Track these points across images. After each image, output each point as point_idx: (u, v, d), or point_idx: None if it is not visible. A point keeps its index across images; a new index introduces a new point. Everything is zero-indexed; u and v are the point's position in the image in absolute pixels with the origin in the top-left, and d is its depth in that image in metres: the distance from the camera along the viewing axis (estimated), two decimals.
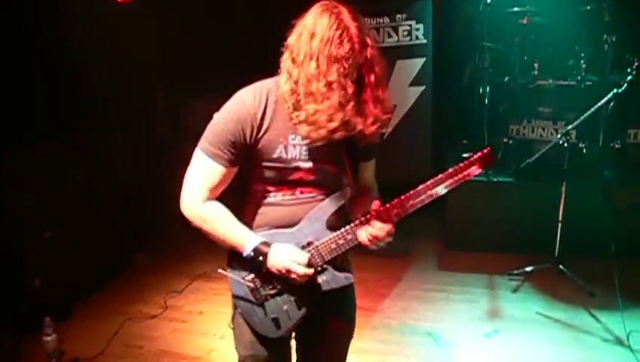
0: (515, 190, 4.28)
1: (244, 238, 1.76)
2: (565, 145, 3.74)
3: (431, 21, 4.30)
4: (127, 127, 4.64)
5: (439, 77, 4.73)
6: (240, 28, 5.76)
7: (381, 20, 4.39)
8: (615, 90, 3.71)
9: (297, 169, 1.75)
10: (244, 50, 5.78)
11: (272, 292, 1.81)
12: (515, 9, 4.60)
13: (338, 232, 1.76)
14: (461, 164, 1.63)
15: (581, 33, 4.58)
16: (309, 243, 1.77)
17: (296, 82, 1.64)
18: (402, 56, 4.29)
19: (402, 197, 1.68)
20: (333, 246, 1.76)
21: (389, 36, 4.34)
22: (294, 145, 1.73)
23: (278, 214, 1.80)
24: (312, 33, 1.61)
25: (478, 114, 4.89)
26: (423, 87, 4.31)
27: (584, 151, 4.22)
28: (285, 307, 1.81)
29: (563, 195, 3.79)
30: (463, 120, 5.03)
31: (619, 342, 3.16)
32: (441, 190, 1.64)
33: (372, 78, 1.67)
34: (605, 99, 3.70)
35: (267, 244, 1.75)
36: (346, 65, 1.60)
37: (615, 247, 3.55)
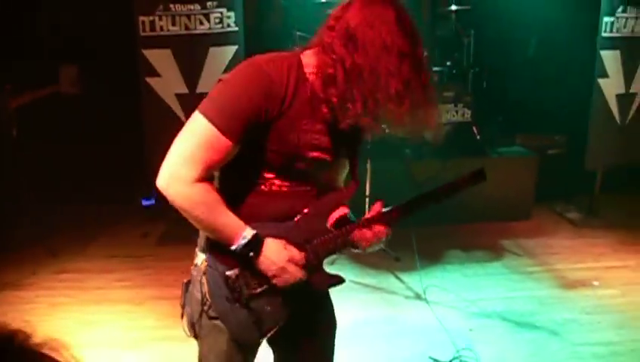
0: None
1: (237, 229, 1.51)
2: None
3: (242, 9, 4.37)
4: None
5: None
6: (41, 15, 5.28)
7: (192, 7, 4.33)
8: None
9: (304, 156, 1.56)
10: (46, 38, 5.32)
11: (257, 291, 1.59)
12: (323, 0, 4.88)
13: (338, 232, 1.63)
14: (463, 177, 1.73)
15: None
16: (307, 241, 1.61)
17: (351, 71, 1.43)
18: (215, 43, 4.29)
19: (405, 203, 1.71)
20: (332, 246, 1.63)
21: (201, 23, 4.30)
22: (305, 131, 1.54)
23: (274, 206, 1.59)
24: (386, 21, 1.43)
25: None
26: None
27: (386, 131, 4.66)
28: (268, 308, 1.60)
29: (368, 172, 4.15)
30: None
31: (417, 296, 3.59)
32: (442, 199, 1.73)
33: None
34: None
35: (260, 239, 1.54)
36: (415, 60, 1.45)
37: (414, 216, 4.00)
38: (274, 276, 1.57)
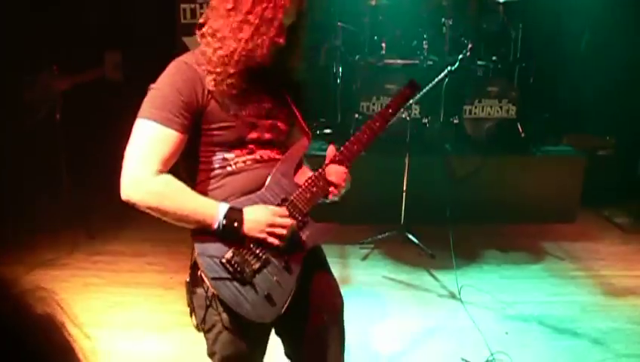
0: (364, 163, 4.43)
1: (211, 208, 1.56)
2: (408, 119, 3.98)
3: None
4: None
5: None
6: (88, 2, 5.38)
7: None
8: (449, 68, 4.02)
9: (254, 126, 1.65)
10: (92, 25, 5.41)
11: (258, 265, 1.60)
12: None
13: (309, 180, 1.70)
14: (395, 95, 1.84)
15: (423, 16, 4.89)
16: (283, 200, 1.66)
17: (211, 31, 1.60)
18: None
19: (357, 135, 1.77)
20: (309, 195, 1.68)
21: None
22: (247, 101, 1.64)
23: (242, 181, 1.65)
24: None
25: (333, 92, 5.04)
26: None
27: (427, 125, 4.54)
28: (275, 278, 1.62)
29: (406, 167, 4.03)
30: (318, 98, 5.15)
31: (452, 296, 3.46)
32: (388, 120, 1.80)
33: (304, 21, 1.67)
34: (440, 76, 3.99)
35: (238, 209, 1.58)
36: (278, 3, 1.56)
37: (451, 213, 3.87)
38: (267, 235, 1.59)
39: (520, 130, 4.66)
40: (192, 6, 4.43)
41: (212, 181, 1.66)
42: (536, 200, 4.53)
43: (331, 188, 1.71)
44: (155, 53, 5.02)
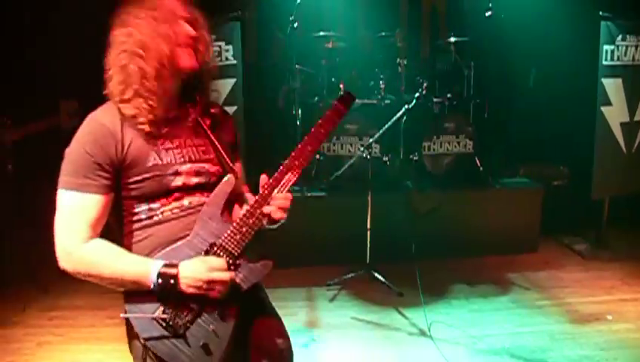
0: (327, 203, 4.47)
1: (144, 267, 1.53)
2: (368, 158, 4.02)
3: (240, 42, 4.36)
4: None
5: (253, 98, 4.81)
6: (41, 51, 5.31)
7: None
8: (406, 107, 4.11)
9: (177, 173, 1.62)
10: (48, 74, 5.32)
11: (191, 317, 1.58)
12: (321, 33, 4.90)
13: (238, 220, 1.64)
14: (327, 112, 1.72)
15: (379, 57, 5.03)
16: (212, 245, 1.61)
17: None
18: (214, 76, 4.26)
19: (286, 162, 1.67)
20: (239, 236, 1.62)
21: None
22: (166, 150, 1.63)
23: (170, 231, 1.62)
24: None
25: (292, 134, 5.06)
26: (235, 107, 4.33)
27: (387, 163, 4.59)
28: (211, 327, 1.58)
29: (369, 205, 4.04)
30: (278, 140, 5.18)
31: (422, 333, 3.42)
32: (319, 142, 1.70)
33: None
34: (398, 115, 4.07)
35: (173, 265, 1.54)
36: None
37: (416, 249, 3.88)
38: (206, 291, 1.55)
39: (478, 163, 4.77)
40: None
41: (139, 232, 1.63)
42: (499, 232, 4.61)
43: (278, 216, 1.67)
44: None
